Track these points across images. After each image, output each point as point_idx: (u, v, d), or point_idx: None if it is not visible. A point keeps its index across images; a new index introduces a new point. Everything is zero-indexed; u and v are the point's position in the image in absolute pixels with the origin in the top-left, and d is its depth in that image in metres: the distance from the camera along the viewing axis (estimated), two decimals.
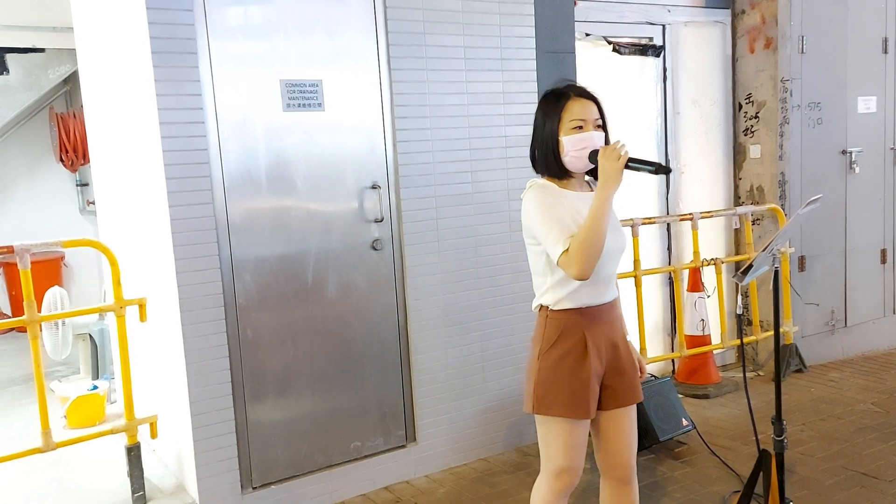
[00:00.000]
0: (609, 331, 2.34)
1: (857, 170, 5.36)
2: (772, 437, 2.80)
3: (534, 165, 2.38)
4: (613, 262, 2.34)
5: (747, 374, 4.76)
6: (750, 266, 2.65)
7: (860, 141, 5.39)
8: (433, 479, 3.74)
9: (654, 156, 5.05)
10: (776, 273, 2.73)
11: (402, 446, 3.72)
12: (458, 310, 3.80)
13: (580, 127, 2.24)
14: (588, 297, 2.29)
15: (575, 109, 2.24)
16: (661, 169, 2.21)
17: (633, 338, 4.26)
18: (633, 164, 2.18)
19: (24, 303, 3.11)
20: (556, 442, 2.32)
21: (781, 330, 3.55)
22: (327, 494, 3.50)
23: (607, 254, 2.25)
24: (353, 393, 3.57)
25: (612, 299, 2.36)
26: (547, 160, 2.30)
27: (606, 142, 2.27)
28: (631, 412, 2.41)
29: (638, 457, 3.81)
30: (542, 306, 2.35)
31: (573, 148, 2.24)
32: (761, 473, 2.88)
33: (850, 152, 5.34)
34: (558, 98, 2.28)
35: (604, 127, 2.30)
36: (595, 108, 2.28)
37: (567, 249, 2.16)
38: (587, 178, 2.39)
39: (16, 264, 3.19)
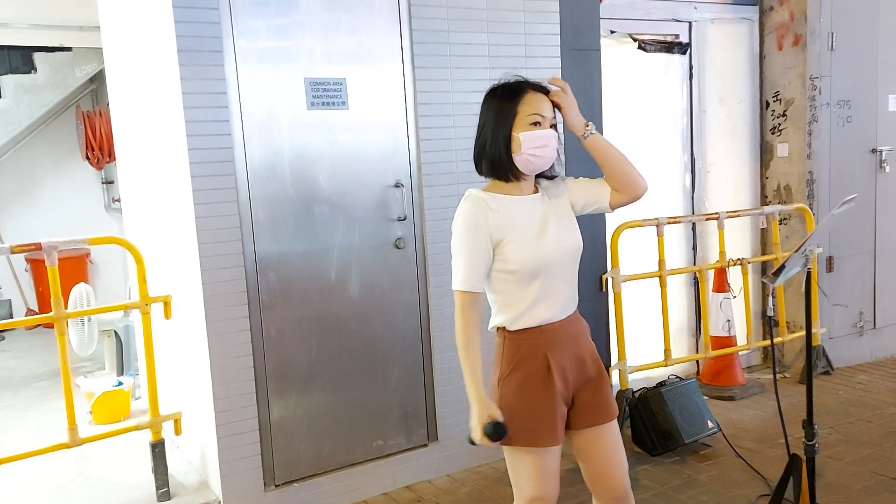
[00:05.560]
0: (574, 347, 2.12)
1: (888, 169, 5.26)
2: (802, 441, 2.75)
3: (478, 168, 2.13)
4: (568, 267, 2.10)
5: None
6: (782, 267, 2.61)
7: (891, 139, 5.29)
8: (455, 478, 3.72)
9: (680, 155, 5.00)
10: (808, 274, 2.68)
11: (424, 445, 3.71)
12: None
13: (538, 123, 2.00)
14: (547, 312, 2.07)
15: (534, 103, 2.01)
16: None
17: (657, 338, 4.27)
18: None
19: (52, 299, 3.14)
20: (525, 472, 2.12)
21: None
22: (349, 493, 3.50)
23: (558, 260, 2.05)
24: (375, 392, 3.57)
25: (574, 310, 2.15)
26: (495, 161, 2.05)
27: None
28: (611, 429, 2.18)
29: (663, 459, 3.82)
30: (498, 328, 2.16)
31: (531, 145, 1.99)
32: (791, 477, 2.83)
33: (881, 151, 5.24)
34: (515, 91, 2.04)
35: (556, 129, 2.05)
36: (550, 105, 2.04)
37: (464, 293, 2.07)
38: (536, 179, 2.14)
39: (43, 261, 3.22)
